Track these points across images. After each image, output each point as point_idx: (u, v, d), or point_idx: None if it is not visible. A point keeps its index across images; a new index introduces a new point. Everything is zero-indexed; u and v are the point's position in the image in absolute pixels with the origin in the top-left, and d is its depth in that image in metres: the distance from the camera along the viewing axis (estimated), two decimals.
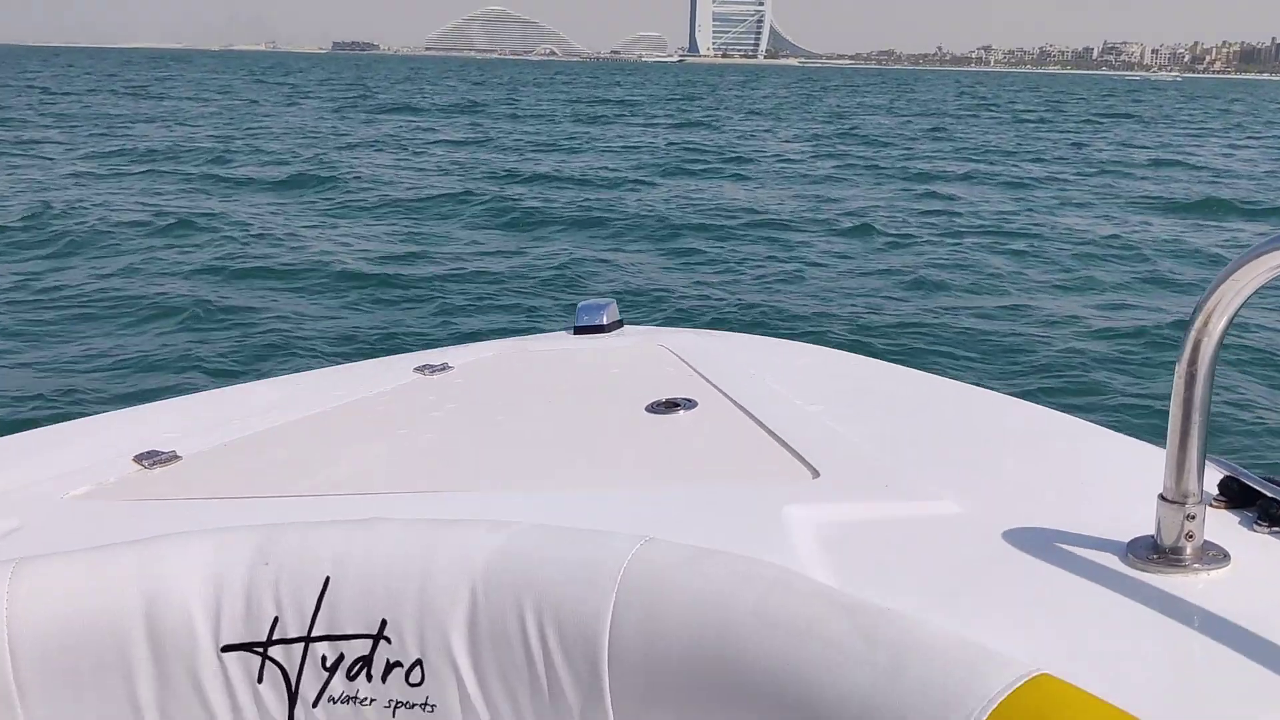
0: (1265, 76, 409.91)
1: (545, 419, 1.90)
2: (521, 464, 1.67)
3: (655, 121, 34.30)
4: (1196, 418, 1.17)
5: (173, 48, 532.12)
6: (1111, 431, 1.78)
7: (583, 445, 1.76)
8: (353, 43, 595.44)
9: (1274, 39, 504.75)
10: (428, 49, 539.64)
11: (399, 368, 2.23)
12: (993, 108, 52.50)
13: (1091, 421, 1.86)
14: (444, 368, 2.21)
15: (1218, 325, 1.14)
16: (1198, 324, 1.15)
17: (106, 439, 1.79)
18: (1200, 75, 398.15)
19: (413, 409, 1.98)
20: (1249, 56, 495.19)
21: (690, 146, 25.17)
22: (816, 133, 21.55)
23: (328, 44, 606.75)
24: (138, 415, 1.99)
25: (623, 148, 24.84)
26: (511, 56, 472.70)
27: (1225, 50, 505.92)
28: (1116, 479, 1.54)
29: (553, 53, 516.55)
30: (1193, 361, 1.16)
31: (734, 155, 23.43)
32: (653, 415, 1.85)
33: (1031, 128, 36.88)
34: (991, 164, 22.72)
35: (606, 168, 20.22)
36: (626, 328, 2.59)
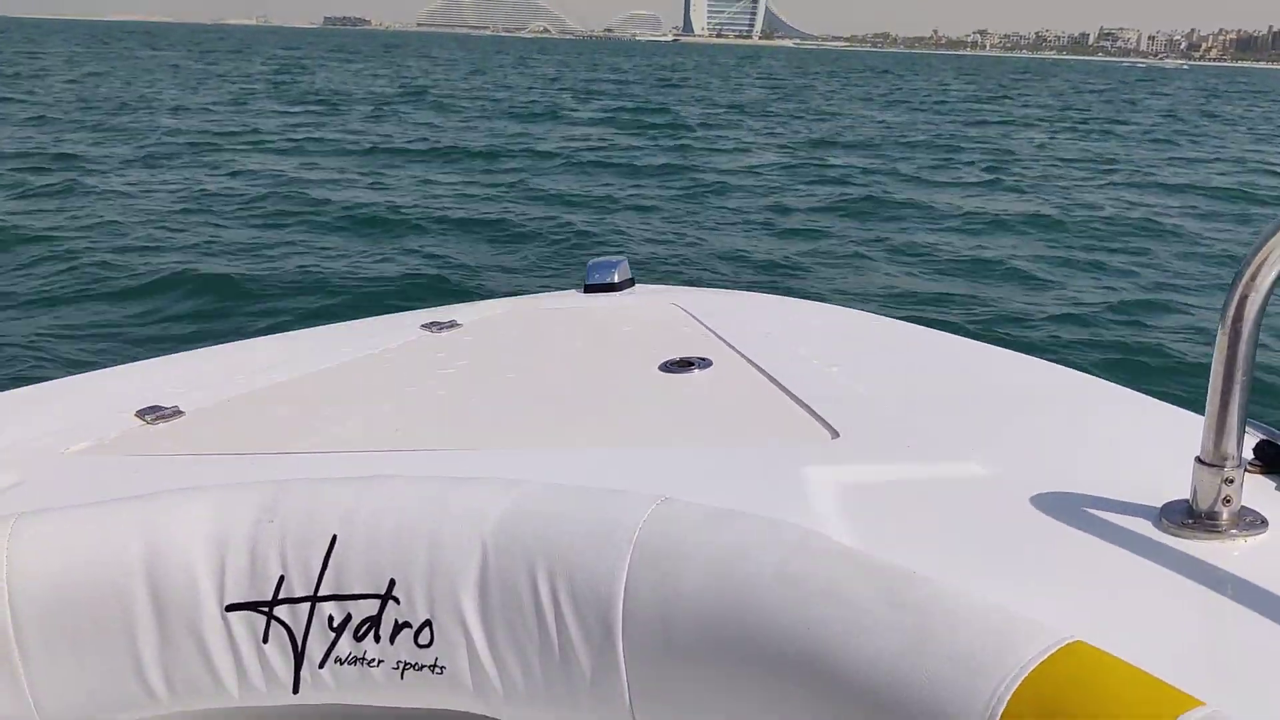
0: (1264, 65, 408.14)
1: (556, 377, 1.87)
2: (533, 422, 1.64)
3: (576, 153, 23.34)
4: (1240, 378, 1.13)
5: (162, 21, 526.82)
6: (1144, 395, 1.70)
7: (595, 403, 1.72)
8: (344, 18, 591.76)
9: (1270, 27, 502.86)
10: (419, 25, 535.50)
11: (406, 324, 2.20)
12: (1016, 117, 35.46)
13: (1124, 386, 1.78)
14: (452, 325, 2.18)
15: (1266, 280, 1.09)
16: (1245, 278, 1.10)
17: (108, 394, 1.77)
18: (1201, 63, 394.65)
19: (421, 366, 1.94)
20: (1245, 45, 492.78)
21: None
22: (788, 163, 18.31)
23: (319, 19, 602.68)
24: (140, 370, 1.95)
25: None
26: (504, 33, 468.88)
27: (1222, 38, 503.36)
28: (1149, 442, 1.49)
29: (545, 30, 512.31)
30: (1238, 318, 1.12)
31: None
32: (666, 374, 1.82)
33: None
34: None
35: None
36: (638, 286, 2.53)
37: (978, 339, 2.16)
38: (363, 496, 1.18)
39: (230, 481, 1.26)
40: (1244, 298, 1.11)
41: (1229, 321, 1.12)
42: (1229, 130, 33.45)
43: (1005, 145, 23.26)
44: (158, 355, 2.13)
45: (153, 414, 1.65)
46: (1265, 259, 1.08)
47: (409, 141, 19.25)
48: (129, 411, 1.66)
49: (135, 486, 1.28)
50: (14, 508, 1.20)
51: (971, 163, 18.91)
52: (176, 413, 1.66)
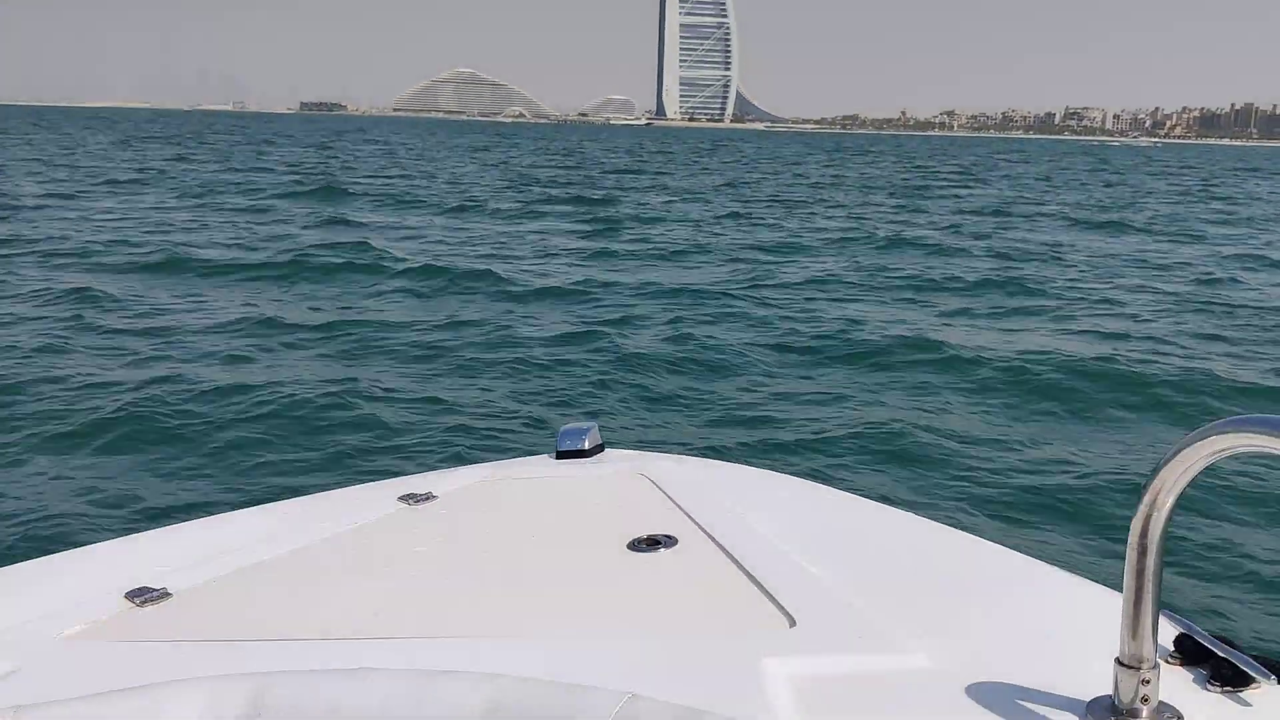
0: (1226, 142, 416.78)
1: (528, 557, 1.91)
2: (505, 607, 1.69)
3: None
4: (1149, 587, 1.24)
5: (139, 107, 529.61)
6: (1077, 577, 1.83)
7: (567, 585, 1.77)
8: (320, 103, 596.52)
9: (1233, 105, 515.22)
10: (396, 110, 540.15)
11: (384, 496, 2.24)
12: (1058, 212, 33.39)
13: (1058, 565, 1.89)
14: (428, 497, 2.22)
15: (1166, 502, 1.22)
16: (1146, 500, 1.23)
17: (99, 574, 1.82)
18: (1171, 140, 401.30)
19: (398, 545, 1.98)
20: (1209, 122, 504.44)
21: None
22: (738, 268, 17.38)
23: (296, 104, 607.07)
24: (128, 547, 2.00)
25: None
26: (480, 118, 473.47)
27: (1186, 116, 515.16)
28: (1080, 630, 1.58)
29: (521, 115, 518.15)
30: (1144, 534, 1.23)
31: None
32: (635, 553, 1.88)
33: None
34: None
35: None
36: (609, 451, 2.60)
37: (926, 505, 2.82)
38: (346, 692, 1.26)
39: (218, 671, 1.34)
40: (1148, 517, 1.22)
41: (1136, 537, 1.23)
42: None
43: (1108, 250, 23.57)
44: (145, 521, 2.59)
45: (141, 596, 1.69)
46: (1164, 484, 1.21)
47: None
48: (119, 593, 1.70)
49: (127, 675, 1.36)
50: (12, 697, 1.29)
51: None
52: (164, 594, 1.70)
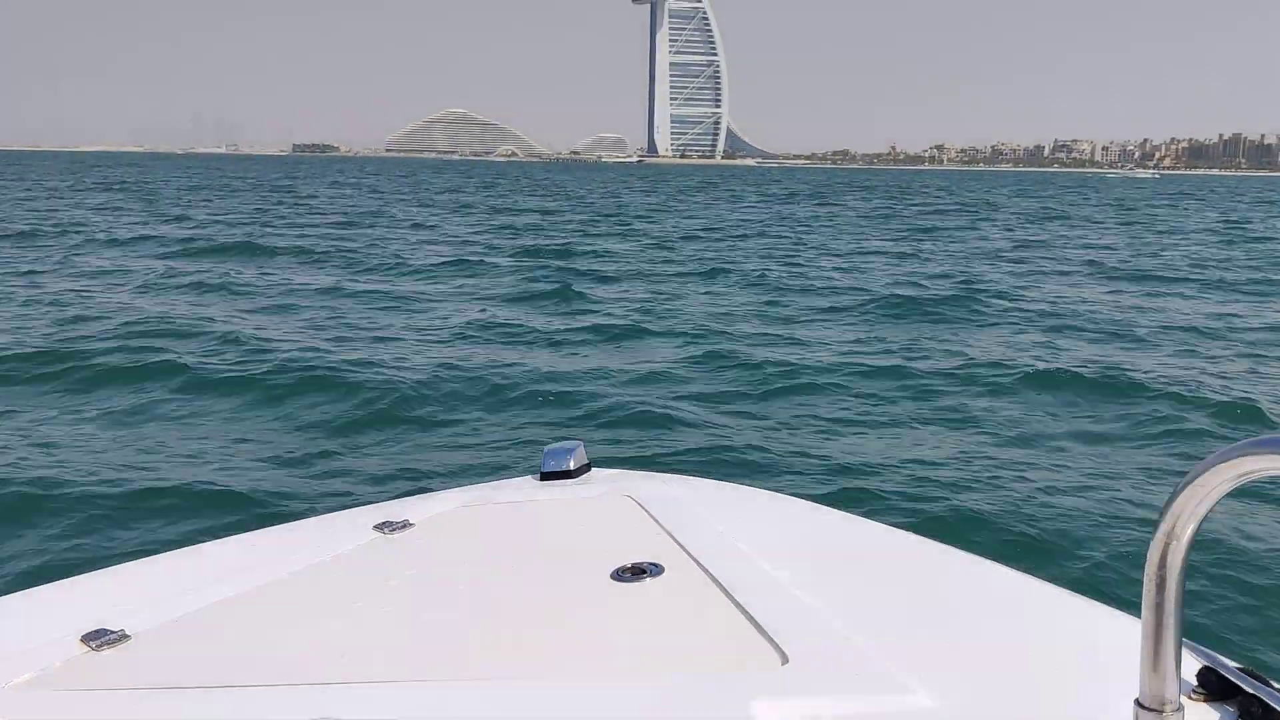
0: (1216, 172, 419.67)
1: (505, 591, 1.80)
2: (479, 647, 1.58)
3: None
4: (1170, 623, 1.14)
5: (132, 150, 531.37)
6: (1094, 603, 1.70)
7: (546, 622, 1.66)
8: (313, 145, 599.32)
9: (1220, 135, 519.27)
10: (388, 150, 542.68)
11: (359, 524, 2.13)
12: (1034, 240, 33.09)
13: (1069, 589, 1.75)
14: (404, 525, 2.11)
15: (1185, 530, 1.12)
16: (1164, 528, 1.13)
17: (53, 616, 1.71)
18: (1168, 172, 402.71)
19: (370, 577, 1.87)
20: (1197, 153, 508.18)
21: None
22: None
23: (289, 146, 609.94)
24: (85, 586, 1.87)
25: None
26: (473, 157, 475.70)
27: (1175, 147, 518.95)
28: (1097, 664, 1.48)
29: (513, 153, 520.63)
30: (1162, 565, 1.13)
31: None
32: (619, 583, 1.78)
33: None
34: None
35: None
36: (595, 471, 2.49)
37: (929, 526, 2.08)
38: None
39: None
40: (1166, 547, 1.13)
41: (1154, 569, 1.13)
42: None
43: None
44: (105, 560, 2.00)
45: (98, 639, 1.59)
46: (1182, 511, 1.11)
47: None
48: (75, 636, 1.60)
49: None
50: None
51: None
52: (123, 637, 1.60)
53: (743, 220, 42.65)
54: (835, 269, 23.31)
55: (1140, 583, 1.17)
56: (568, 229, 34.64)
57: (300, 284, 18.66)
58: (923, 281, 20.61)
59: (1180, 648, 1.16)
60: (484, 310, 16.13)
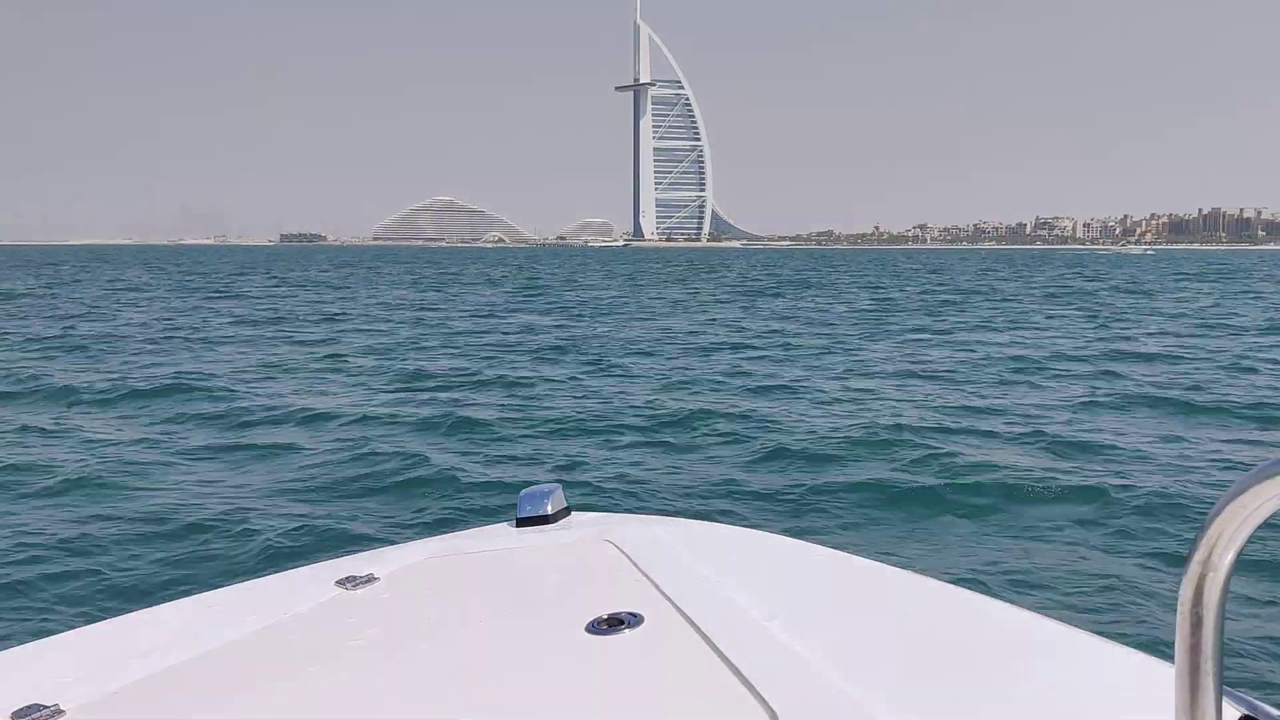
0: (1196, 246, 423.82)
1: (475, 649, 1.71)
2: (446, 711, 1.49)
3: None
4: (1208, 666, 1.00)
5: (122, 243, 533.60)
6: (1112, 642, 1.55)
7: (517, 682, 1.58)
8: (300, 234, 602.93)
9: (1200, 210, 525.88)
10: (376, 239, 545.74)
11: (321, 579, 2.04)
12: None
13: (1084, 629, 1.61)
14: (369, 580, 2.02)
15: (1224, 558, 0.97)
16: (1198, 557, 0.98)
17: None
18: (1161, 246, 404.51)
19: (329, 639, 1.78)
20: (1178, 228, 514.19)
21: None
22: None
23: (277, 235, 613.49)
24: (18, 658, 1.77)
25: None
26: (460, 244, 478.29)
27: (1155, 222, 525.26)
28: (1121, 711, 1.35)
29: (501, 240, 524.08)
30: (1196, 601, 0.99)
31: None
32: (595, 636, 1.69)
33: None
34: None
35: None
36: (575, 515, 2.38)
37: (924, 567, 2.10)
38: None
39: None
40: (1201, 578, 0.98)
41: (1188, 606, 0.98)
42: None
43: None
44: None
45: (28, 715, 1.49)
46: (1219, 535, 0.96)
47: None
48: (4, 714, 1.52)
49: None
50: None
51: None
52: (56, 713, 1.51)
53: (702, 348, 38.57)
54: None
55: (1172, 621, 1.01)
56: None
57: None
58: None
59: (1221, 694, 1.01)
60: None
